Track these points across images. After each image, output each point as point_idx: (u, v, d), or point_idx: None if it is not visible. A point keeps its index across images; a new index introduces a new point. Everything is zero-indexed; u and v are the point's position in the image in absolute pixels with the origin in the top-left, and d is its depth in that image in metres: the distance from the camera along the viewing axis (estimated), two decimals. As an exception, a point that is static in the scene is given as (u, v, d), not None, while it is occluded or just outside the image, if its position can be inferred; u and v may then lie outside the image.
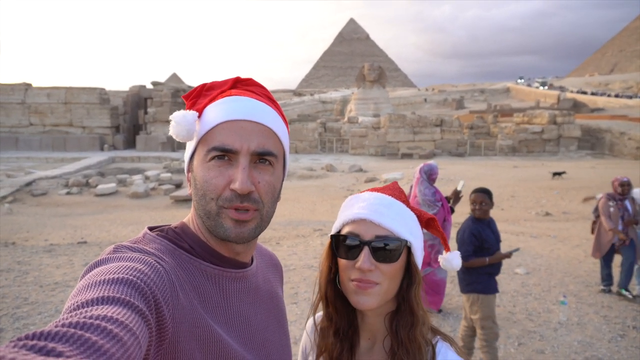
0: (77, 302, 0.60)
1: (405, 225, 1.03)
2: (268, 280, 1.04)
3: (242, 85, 0.93)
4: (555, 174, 18.81)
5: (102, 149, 33.12)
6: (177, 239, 0.87)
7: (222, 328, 0.83)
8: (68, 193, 17.37)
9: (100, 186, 17.64)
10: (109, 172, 23.17)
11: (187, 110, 0.86)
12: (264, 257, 1.08)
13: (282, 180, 0.93)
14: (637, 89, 67.50)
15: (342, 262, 1.02)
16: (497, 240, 3.94)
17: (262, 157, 0.85)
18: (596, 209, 6.20)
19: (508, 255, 3.83)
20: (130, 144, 35.21)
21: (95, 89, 35.01)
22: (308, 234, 8.93)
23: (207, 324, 0.79)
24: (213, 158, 0.83)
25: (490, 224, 3.95)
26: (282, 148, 0.91)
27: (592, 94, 63.21)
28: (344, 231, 1.04)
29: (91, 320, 0.53)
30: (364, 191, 1.13)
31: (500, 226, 4.36)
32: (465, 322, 4.06)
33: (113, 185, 17.94)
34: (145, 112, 35.78)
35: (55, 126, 34.47)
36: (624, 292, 5.69)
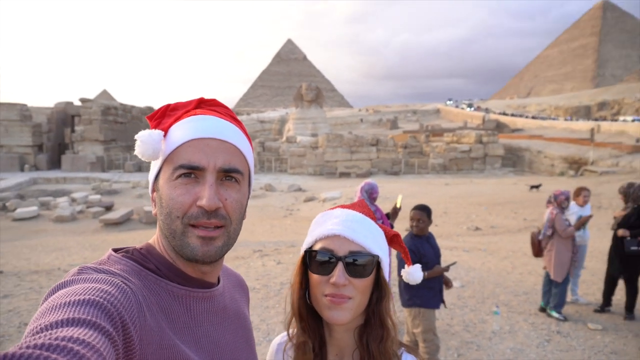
0: (41, 324, 0.59)
1: (375, 242, 1.07)
2: (235, 300, 1.03)
3: (206, 106, 0.94)
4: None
5: (22, 170, 30.82)
6: (142, 259, 0.85)
7: (191, 349, 0.82)
8: (-18, 218, 15.94)
9: (19, 210, 16.34)
10: (30, 195, 21.57)
11: (153, 130, 0.86)
12: (230, 277, 1.08)
13: (248, 198, 0.94)
14: (550, 111, 73.95)
15: (315, 277, 1.03)
16: (437, 255, 4.09)
17: (228, 175, 0.85)
18: (553, 230, 5.57)
19: (446, 269, 3.99)
20: (55, 164, 33.08)
21: (15, 104, 32.71)
22: (248, 255, 8.76)
23: (174, 345, 0.78)
24: (179, 176, 0.83)
25: (429, 239, 4.11)
26: (247, 166, 0.92)
27: (512, 115, 68.16)
28: (317, 247, 1.05)
29: (57, 342, 0.53)
30: (333, 208, 1.15)
31: (435, 241, 4.55)
32: (407, 337, 4.17)
33: (34, 208, 16.69)
34: (73, 131, 33.91)
35: (-33, 145, 31.67)
36: (554, 313, 5.53)
